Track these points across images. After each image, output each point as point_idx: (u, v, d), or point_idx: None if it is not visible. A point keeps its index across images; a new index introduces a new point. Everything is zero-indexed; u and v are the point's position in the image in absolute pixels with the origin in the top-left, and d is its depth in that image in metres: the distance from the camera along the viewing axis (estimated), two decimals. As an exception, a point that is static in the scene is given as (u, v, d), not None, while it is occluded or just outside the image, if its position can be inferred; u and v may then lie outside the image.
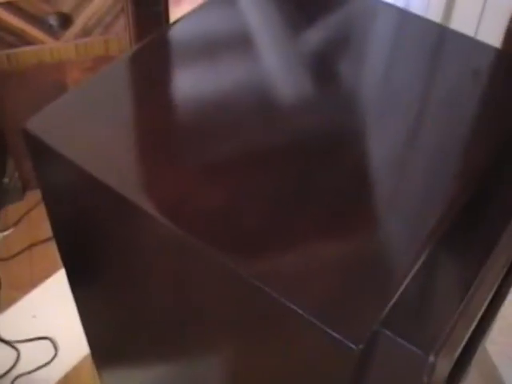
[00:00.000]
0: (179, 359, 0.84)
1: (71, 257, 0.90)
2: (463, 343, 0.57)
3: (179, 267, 0.67)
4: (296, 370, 0.62)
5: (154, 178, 0.66)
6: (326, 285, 0.56)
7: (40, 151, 0.72)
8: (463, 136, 0.72)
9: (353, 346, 0.52)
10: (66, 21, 1.39)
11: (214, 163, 0.68)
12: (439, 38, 0.87)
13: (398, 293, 0.56)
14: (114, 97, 0.76)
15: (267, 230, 0.61)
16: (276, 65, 0.80)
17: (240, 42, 0.83)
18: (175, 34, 0.86)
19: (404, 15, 0.88)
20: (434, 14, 1.54)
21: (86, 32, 1.43)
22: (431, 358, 0.52)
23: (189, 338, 0.76)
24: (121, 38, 1.46)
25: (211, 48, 0.82)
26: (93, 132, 0.71)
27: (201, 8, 0.88)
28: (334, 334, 0.53)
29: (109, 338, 1.02)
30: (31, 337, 1.48)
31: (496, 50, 0.88)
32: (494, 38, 1.31)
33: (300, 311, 0.55)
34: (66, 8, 1.38)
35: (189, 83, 0.79)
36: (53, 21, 1.38)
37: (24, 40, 1.40)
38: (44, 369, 1.44)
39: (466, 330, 0.58)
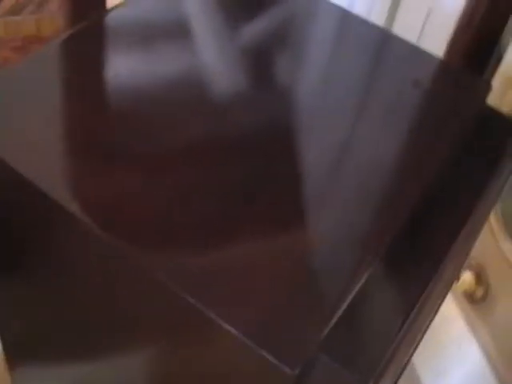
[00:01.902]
0: (98, 363, 0.80)
1: None
2: (402, 369, 0.55)
3: (101, 266, 0.63)
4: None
5: (81, 175, 0.62)
6: (261, 303, 0.53)
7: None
8: (402, 146, 0.70)
9: (288, 371, 0.49)
10: (-6, -4, 1.31)
11: (149, 160, 0.64)
12: (382, 43, 0.86)
13: (338, 314, 0.53)
14: (45, 84, 0.70)
15: (199, 235, 0.57)
16: (214, 58, 0.77)
17: (179, 33, 0.79)
18: (112, 19, 0.81)
19: (347, 16, 0.86)
20: (378, 17, 1.54)
21: (16, 10, 1.35)
22: (368, 386, 0.50)
23: (110, 342, 0.72)
24: (54, 18, 1.38)
25: (149, 37, 0.78)
26: (18, 120, 0.65)
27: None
28: (269, 358, 0.50)
29: (25, 336, 0.96)
30: None
31: (439, 60, 0.88)
32: (437, 46, 1.32)
33: (233, 330, 0.51)
34: (-5, -18, 1.30)
35: (124, 73, 0.74)
36: (-20, -5, 1.29)
37: None
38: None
39: (409, 351, 0.57)
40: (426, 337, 0.91)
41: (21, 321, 0.94)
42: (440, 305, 0.68)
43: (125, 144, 0.65)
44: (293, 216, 0.60)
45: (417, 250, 0.62)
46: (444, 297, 0.64)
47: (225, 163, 0.64)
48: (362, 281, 0.56)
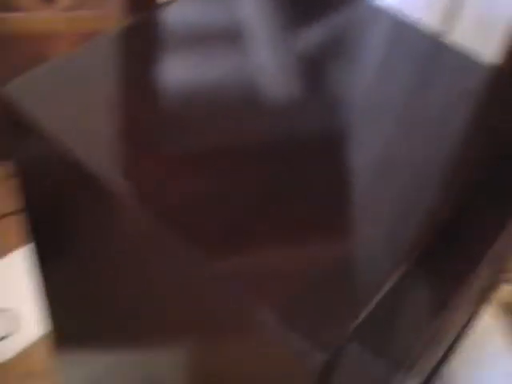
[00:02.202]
0: (136, 349, 0.83)
1: (41, 230, 0.88)
2: (430, 367, 0.56)
3: (143, 253, 0.65)
4: (258, 378, 0.61)
5: (130, 161, 0.65)
6: (294, 293, 0.55)
7: (13, 118, 0.70)
8: (449, 152, 0.71)
9: (317, 356, 0.51)
10: (58, -9, 1.37)
11: (192, 154, 0.66)
12: (434, 51, 0.86)
13: (371, 306, 0.55)
14: (99, 72, 0.74)
15: (237, 229, 0.60)
16: (267, 60, 0.78)
17: (233, 33, 0.81)
18: (168, 15, 0.84)
19: (401, 24, 0.87)
20: (431, 23, 1.53)
21: (77, 5, 1.40)
22: (400, 376, 0.52)
23: (148, 328, 0.75)
24: (113, 16, 1.43)
25: (203, 35, 0.80)
26: (72, 105, 0.69)
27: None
28: (299, 343, 0.52)
29: (70, 319, 1.00)
30: (-7, 308, 1.46)
31: (492, 68, 0.86)
32: (490, 54, 1.31)
33: (265, 316, 0.53)
34: (59, -22, 1.35)
35: (176, 68, 0.77)
36: (45, -11, 1.35)
37: (14, 5, 1.36)
38: (3, 341, 1.41)
39: (440, 350, 0.58)
40: (466, 349, 0.91)
41: (65, 304, 0.98)
42: (476, 311, 0.69)
43: (175, 136, 0.67)
44: (336, 217, 0.62)
45: (453, 251, 0.63)
46: (480, 303, 0.64)
47: (270, 165, 0.66)
48: (397, 276, 0.57)
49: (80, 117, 0.68)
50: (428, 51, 0.84)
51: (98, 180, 0.63)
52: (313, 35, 0.81)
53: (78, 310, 0.95)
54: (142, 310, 0.74)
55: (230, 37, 0.81)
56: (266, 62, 0.78)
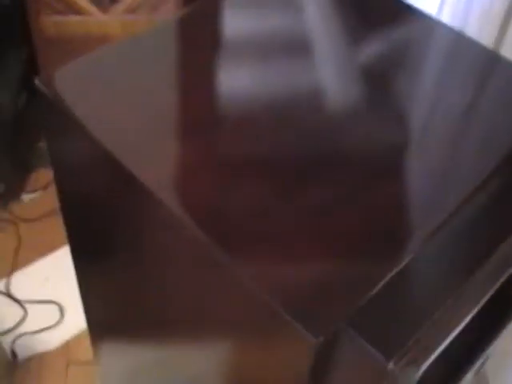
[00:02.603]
0: (167, 343, 0.84)
1: (76, 229, 0.90)
2: (436, 353, 0.55)
3: (174, 251, 0.66)
4: (259, 359, 0.62)
5: (175, 165, 0.65)
6: (298, 277, 0.56)
7: (50, 111, 0.73)
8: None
9: (312, 339, 0.51)
10: (115, -5, 1.42)
11: (244, 159, 0.65)
12: (491, 66, 0.84)
13: (371, 293, 0.55)
14: (149, 63, 0.75)
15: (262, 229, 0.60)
16: (328, 69, 0.77)
17: (295, 39, 0.80)
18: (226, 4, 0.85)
19: (460, 39, 0.85)
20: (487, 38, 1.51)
21: (132, 9, 1.45)
22: (391, 365, 0.51)
23: (175, 323, 0.76)
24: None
25: (264, 37, 0.80)
26: (116, 98, 0.70)
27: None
28: (295, 325, 0.52)
29: (106, 313, 1.03)
30: (40, 299, 1.51)
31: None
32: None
33: (266, 298, 0.54)
34: (116, -17, 1.41)
35: (233, 68, 0.77)
36: (102, -6, 1.41)
37: (72, 9, 1.43)
38: (47, 332, 1.46)
39: (444, 340, 0.57)
40: (497, 348, 0.89)
41: (100, 299, 1.01)
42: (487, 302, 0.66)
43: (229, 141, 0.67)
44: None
45: (464, 239, 0.61)
46: (489, 292, 0.62)
47: (331, 174, 0.64)
48: (401, 265, 0.57)
49: (123, 114, 0.68)
50: (485, 65, 0.83)
51: (137, 182, 0.62)
52: (373, 47, 0.80)
53: (112, 305, 0.97)
54: (170, 305, 0.76)
55: (293, 42, 0.80)
56: (329, 71, 0.77)
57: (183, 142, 0.67)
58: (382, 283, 0.55)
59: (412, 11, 0.85)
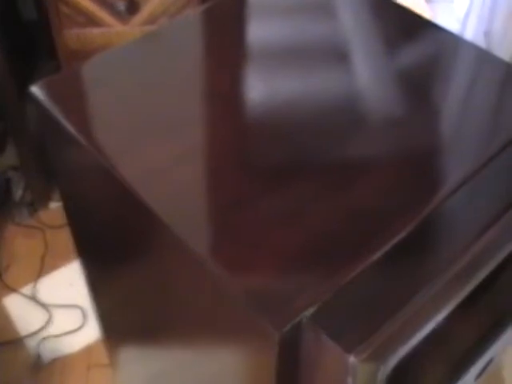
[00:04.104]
0: (178, 348, 0.85)
1: (81, 238, 0.93)
2: (405, 349, 0.55)
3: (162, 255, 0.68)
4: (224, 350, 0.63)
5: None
6: (263, 269, 0.57)
7: (44, 120, 0.75)
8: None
9: (273, 331, 0.52)
10: (133, 7, 1.46)
11: (270, 169, 0.66)
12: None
13: (338, 287, 0.55)
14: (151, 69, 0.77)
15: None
16: (363, 80, 0.78)
17: (330, 45, 0.82)
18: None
19: (484, 55, 0.86)
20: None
21: (151, 20, 1.49)
22: (351, 359, 0.51)
23: (178, 327, 0.77)
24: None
25: (297, 40, 0.81)
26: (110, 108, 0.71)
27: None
28: (257, 317, 0.53)
29: (117, 319, 1.05)
30: (65, 303, 1.55)
31: None
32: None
33: (232, 291, 0.55)
34: (135, -5, 1.45)
35: (265, 73, 0.77)
36: (121, 6, 1.45)
37: (93, 21, 1.47)
38: (70, 335, 1.50)
39: (408, 336, 0.56)
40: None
41: (112, 308, 1.03)
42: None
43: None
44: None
45: (436, 238, 0.61)
46: (462, 292, 0.62)
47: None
48: (368, 260, 0.57)
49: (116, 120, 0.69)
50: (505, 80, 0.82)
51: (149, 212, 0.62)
52: (399, 60, 0.81)
53: (121, 312, 0.99)
54: (171, 313, 0.77)
55: (328, 49, 0.81)
56: (361, 79, 0.78)
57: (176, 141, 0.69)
58: (347, 278, 0.56)
59: (436, 27, 0.86)
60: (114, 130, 0.69)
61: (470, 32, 1.64)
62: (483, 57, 0.84)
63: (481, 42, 1.58)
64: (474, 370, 0.80)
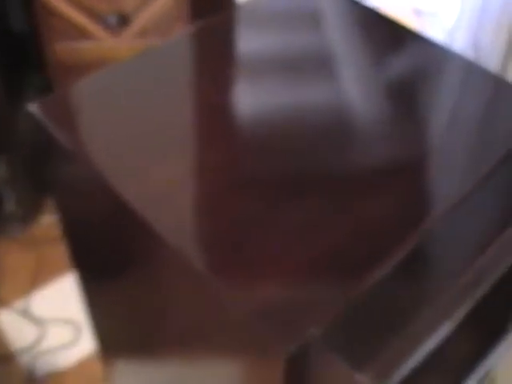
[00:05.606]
0: (173, 363, 0.85)
1: (79, 255, 0.92)
2: (410, 366, 0.56)
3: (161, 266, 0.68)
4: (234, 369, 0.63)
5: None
6: (270, 286, 0.57)
7: (46, 141, 0.75)
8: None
9: (280, 350, 0.52)
10: (124, 20, 1.46)
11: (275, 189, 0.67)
12: (502, 92, 0.84)
13: (346, 306, 0.55)
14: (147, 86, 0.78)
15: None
16: (349, 91, 0.79)
17: (319, 58, 0.83)
18: (244, 12, 0.87)
19: (471, 67, 0.86)
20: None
21: (142, 33, 1.49)
22: (359, 377, 0.52)
23: (175, 342, 0.77)
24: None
25: (286, 53, 0.83)
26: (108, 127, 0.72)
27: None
28: (264, 338, 0.53)
29: (111, 334, 1.04)
30: (58, 318, 1.54)
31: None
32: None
33: (241, 312, 0.55)
34: (126, 9, 1.45)
35: (257, 88, 0.79)
36: (112, 19, 1.45)
37: (84, 34, 1.47)
38: (64, 350, 1.49)
39: (413, 353, 0.57)
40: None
41: (108, 323, 1.02)
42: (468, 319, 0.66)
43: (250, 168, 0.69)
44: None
45: (434, 258, 0.62)
46: (465, 307, 0.62)
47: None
48: (374, 280, 0.58)
49: (114, 139, 0.70)
50: (494, 92, 0.83)
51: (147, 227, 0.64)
52: (388, 72, 0.82)
53: (120, 328, 0.99)
54: (168, 326, 0.77)
55: (317, 60, 0.82)
56: (351, 90, 0.78)
57: (175, 160, 0.70)
58: (354, 296, 0.56)
59: (424, 39, 0.88)
60: (112, 149, 0.70)
61: (459, 44, 1.65)
62: (472, 68, 0.85)
63: (469, 53, 1.60)
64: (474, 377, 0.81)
